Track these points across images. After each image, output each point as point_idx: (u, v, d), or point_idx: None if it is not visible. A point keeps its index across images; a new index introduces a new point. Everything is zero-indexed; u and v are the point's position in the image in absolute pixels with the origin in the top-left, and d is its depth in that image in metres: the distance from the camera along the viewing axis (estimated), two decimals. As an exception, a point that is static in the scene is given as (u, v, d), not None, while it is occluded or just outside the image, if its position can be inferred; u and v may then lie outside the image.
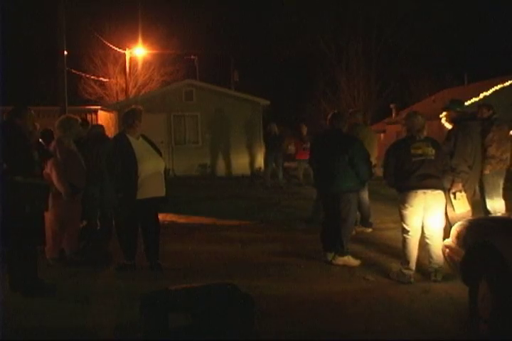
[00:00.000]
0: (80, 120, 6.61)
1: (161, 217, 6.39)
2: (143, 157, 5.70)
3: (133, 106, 6.01)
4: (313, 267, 5.99)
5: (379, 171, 6.41)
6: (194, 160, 19.22)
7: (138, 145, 5.78)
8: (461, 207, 6.17)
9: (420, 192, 5.30)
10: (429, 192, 5.32)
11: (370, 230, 7.86)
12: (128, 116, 5.84)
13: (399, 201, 5.47)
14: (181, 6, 32.88)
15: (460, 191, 6.15)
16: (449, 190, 6.06)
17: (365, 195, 7.73)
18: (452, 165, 6.05)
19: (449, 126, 6.57)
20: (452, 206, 6.12)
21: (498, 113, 7.44)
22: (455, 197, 6.11)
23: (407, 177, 5.36)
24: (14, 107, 5.18)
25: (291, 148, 15.73)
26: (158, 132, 16.93)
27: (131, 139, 5.78)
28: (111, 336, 4.16)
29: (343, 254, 6.03)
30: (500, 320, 3.64)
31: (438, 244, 5.28)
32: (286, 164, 16.16)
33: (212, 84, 21.07)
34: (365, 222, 7.88)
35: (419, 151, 5.37)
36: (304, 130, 15.03)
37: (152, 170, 5.75)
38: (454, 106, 6.63)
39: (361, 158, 6.04)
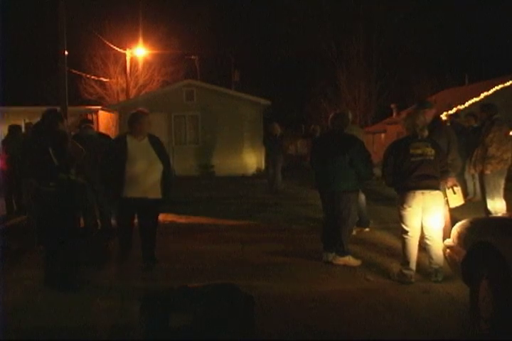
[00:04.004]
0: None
1: (161, 217, 6.35)
2: (134, 157, 5.73)
3: (137, 109, 6.01)
4: (313, 267, 5.98)
5: (379, 171, 6.39)
6: (194, 160, 19.24)
7: (135, 145, 5.79)
8: (458, 201, 6.15)
9: (418, 192, 5.29)
10: (427, 192, 5.29)
11: (367, 229, 7.84)
12: (129, 118, 5.91)
13: (397, 201, 5.45)
14: (181, 6, 32.92)
15: (456, 185, 6.15)
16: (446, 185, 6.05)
17: (360, 196, 7.69)
18: (448, 161, 6.04)
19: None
20: (447, 202, 6.08)
21: (498, 113, 7.44)
22: (454, 192, 6.09)
23: (405, 178, 5.33)
24: (54, 112, 5.60)
25: (292, 149, 15.66)
26: (158, 132, 16.67)
27: (130, 140, 5.81)
28: (111, 336, 4.15)
29: (343, 254, 6.03)
30: (501, 320, 3.63)
31: (438, 245, 5.28)
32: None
33: (213, 84, 21.11)
34: (362, 222, 7.86)
35: (419, 151, 5.34)
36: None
37: (141, 170, 5.69)
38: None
39: (362, 158, 6.03)
